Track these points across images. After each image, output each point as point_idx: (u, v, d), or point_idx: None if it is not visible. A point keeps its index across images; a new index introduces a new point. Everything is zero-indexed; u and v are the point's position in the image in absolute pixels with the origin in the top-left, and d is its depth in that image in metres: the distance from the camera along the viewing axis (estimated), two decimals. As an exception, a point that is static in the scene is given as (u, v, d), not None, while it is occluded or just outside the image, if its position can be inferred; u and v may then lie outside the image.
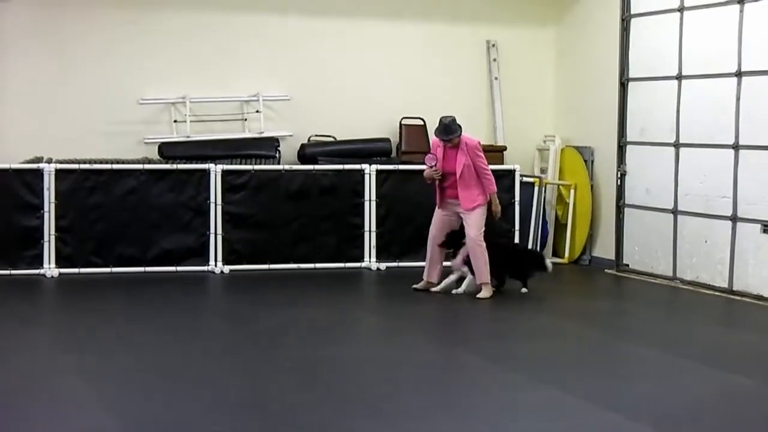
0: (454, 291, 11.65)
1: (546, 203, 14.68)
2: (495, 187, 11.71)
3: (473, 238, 11.47)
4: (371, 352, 9.19)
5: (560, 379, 8.21)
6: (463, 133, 11.58)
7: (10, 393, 7.52)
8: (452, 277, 11.80)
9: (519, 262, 12.05)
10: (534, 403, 7.57)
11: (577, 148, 14.89)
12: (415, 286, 11.86)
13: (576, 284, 13.48)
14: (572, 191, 14.68)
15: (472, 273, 11.51)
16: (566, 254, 14.66)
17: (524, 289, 11.81)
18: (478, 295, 11.48)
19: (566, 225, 14.72)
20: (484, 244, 11.50)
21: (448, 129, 11.50)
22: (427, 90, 15.18)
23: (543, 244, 14.58)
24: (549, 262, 12.19)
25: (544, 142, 15.38)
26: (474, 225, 11.51)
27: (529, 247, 13.97)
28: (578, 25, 15.16)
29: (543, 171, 15.11)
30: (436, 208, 11.79)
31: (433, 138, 11.94)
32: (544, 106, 15.68)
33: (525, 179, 14.34)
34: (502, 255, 11.82)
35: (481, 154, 11.68)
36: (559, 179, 14.94)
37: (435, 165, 11.57)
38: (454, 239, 11.68)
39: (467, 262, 11.59)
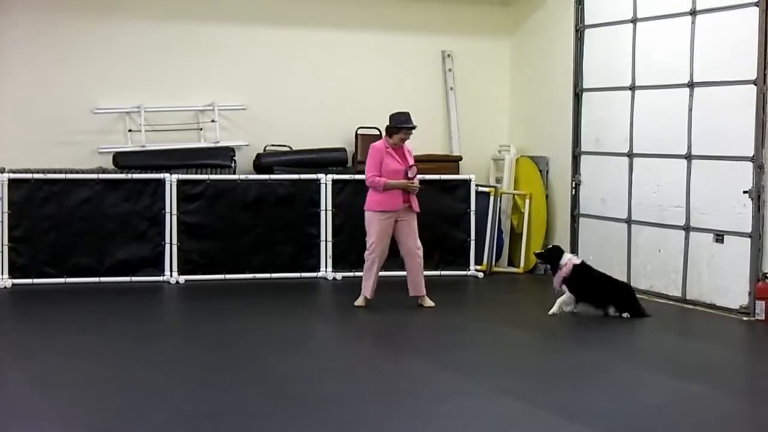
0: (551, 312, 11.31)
1: (501, 213, 14.74)
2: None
3: (415, 246, 11.46)
4: (328, 363, 9.17)
5: (516, 387, 8.24)
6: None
7: (-37, 405, 7.44)
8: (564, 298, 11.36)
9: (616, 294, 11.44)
10: (490, 411, 7.60)
11: (532, 157, 14.96)
12: (356, 303, 11.65)
13: (531, 294, 13.53)
14: (527, 201, 14.75)
15: (578, 298, 11.26)
16: (521, 264, 14.72)
17: (626, 314, 11.29)
18: (426, 305, 11.55)
19: (521, 234, 14.78)
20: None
21: (409, 119, 11.50)
22: (383, 100, 15.16)
23: (498, 254, 14.64)
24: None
25: (499, 151, 15.45)
26: (416, 234, 11.48)
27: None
28: (533, 35, 15.25)
29: (498, 181, 15.18)
30: (370, 212, 11.51)
31: (375, 144, 11.70)
32: (499, 116, 15.75)
33: (480, 189, 14.40)
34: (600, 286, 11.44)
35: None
36: (514, 189, 15.01)
37: (414, 177, 11.47)
38: (553, 256, 11.51)
39: (566, 281, 11.27)
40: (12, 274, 12.59)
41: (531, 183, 14.85)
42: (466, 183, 14.18)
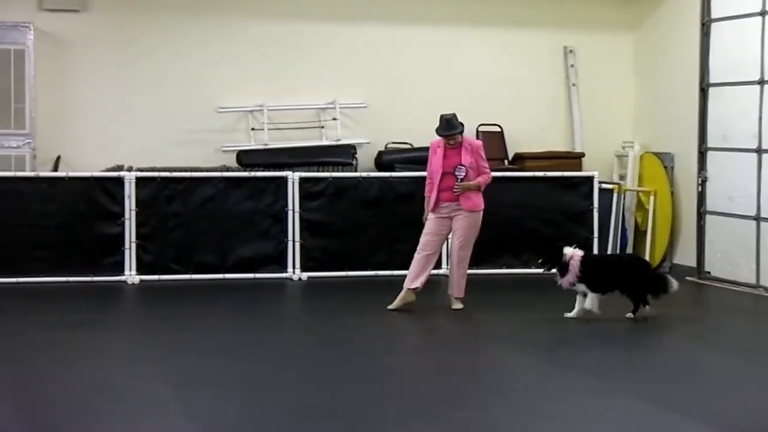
0: (567, 314, 10.70)
1: (625, 210, 14.52)
2: (484, 181, 11.09)
3: (461, 247, 11.06)
4: (448, 360, 9.14)
5: (638, 387, 8.09)
6: (464, 132, 11.12)
7: (91, 399, 7.60)
8: (582, 300, 10.76)
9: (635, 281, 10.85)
10: (612, 411, 7.48)
11: (656, 154, 14.71)
12: (390, 306, 11.08)
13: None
14: (652, 198, 14.50)
15: (591, 289, 10.66)
16: (646, 262, 14.47)
17: (629, 315, 10.76)
18: (453, 306, 11.15)
19: (646, 232, 14.54)
20: (468, 257, 11.12)
21: (450, 124, 11.00)
22: (504, 96, 15.11)
23: (623, 252, 14.42)
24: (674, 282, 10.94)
25: (623, 148, 15.23)
26: (462, 232, 11.04)
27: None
28: (658, 29, 14.99)
29: (622, 178, 14.96)
30: (429, 213, 11.15)
31: (432, 140, 11.31)
32: (622, 112, 15.52)
33: (604, 186, 14.20)
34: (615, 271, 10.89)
35: (485, 156, 11.22)
36: (639, 186, 14.78)
37: (464, 177, 11.02)
38: (553, 257, 10.82)
39: (581, 278, 10.63)
40: (139, 270, 12.83)
41: (656, 180, 14.59)
42: (589, 180, 13.99)
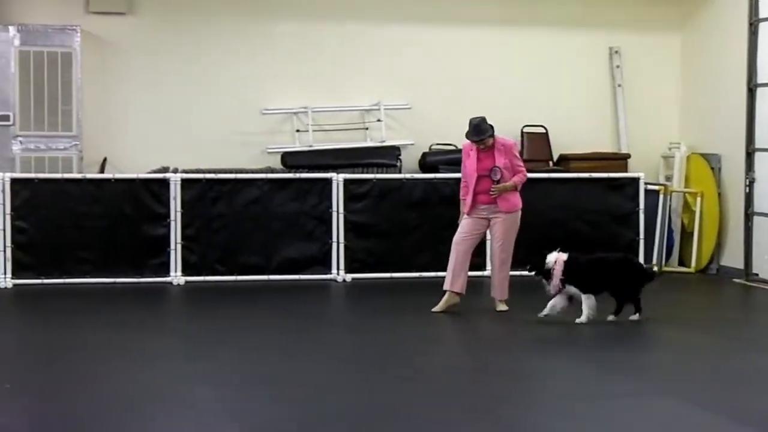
0: (577, 321, 10.49)
1: (672, 212, 14.42)
2: (520, 181, 10.97)
3: (502, 249, 10.97)
4: (492, 362, 9.11)
5: (686, 389, 8.03)
6: (496, 134, 10.91)
7: (136, 400, 7.64)
8: (556, 301, 10.67)
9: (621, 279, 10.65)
10: (660, 413, 7.41)
11: (703, 155, 14.59)
12: (434, 309, 10.98)
13: (703, 294, 13.20)
14: (699, 199, 14.38)
15: (582, 290, 10.51)
16: (693, 264, 14.36)
17: (611, 317, 10.55)
18: (498, 309, 11.09)
19: (693, 234, 14.42)
20: (510, 258, 11.02)
21: (478, 129, 10.82)
22: (549, 97, 15.05)
23: (669, 254, 14.33)
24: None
25: (670, 149, 15.11)
26: (501, 235, 10.94)
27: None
28: (704, 29, 14.87)
29: (668, 179, 14.85)
30: (464, 216, 11.07)
31: (464, 142, 11.17)
32: (669, 112, 15.41)
33: (650, 187, 14.10)
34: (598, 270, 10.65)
35: (519, 155, 11.16)
36: (685, 187, 14.66)
37: (500, 178, 10.89)
38: (536, 265, 10.68)
39: (565, 280, 10.51)
40: (184, 271, 12.89)
41: (702, 181, 14.47)
42: (635, 181, 13.89)
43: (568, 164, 14.73)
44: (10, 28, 13.95)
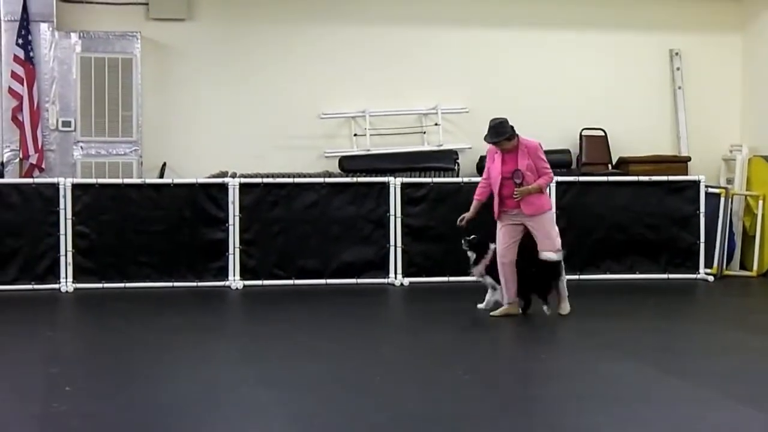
0: (479, 305, 10.90)
1: (733, 215, 14.26)
2: (545, 182, 10.69)
3: (551, 252, 10.66)
4: (552, 365, 9.06)
5: (749, 395, 7.92)
6: (518, 134, 10.64)
7: (195, 403, 7.69)
8: (493, 292, 10.92)
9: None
10: (721, 419, 7.32)
11: (765, 157, 14.43)
12: (493, 313, 10.89)
13: (765, 298, 13.03)
14: (761, 202, 14.21)
15: (498, 282, 10.73)
16: (755, 267, 14.19)
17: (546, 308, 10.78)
18: (561, 312, 10.87)
19: (755, 237, 14.26)
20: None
21: (496, 131, 10.53)
22: (608, 100, 14.97)
23: (730, 257, 14.17)
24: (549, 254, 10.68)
25: (731, 151, 14.96)
26: (542, 236, 10.63)
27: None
28: (766, 29, 14.69)
29: (729, 181, 14.70)
30: (498, 222, 10.85)
31: (489, 144, 10.92)
32: (730, 115, 15.26)
33: (710, 190, 13.95)
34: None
35: (544, 156, 10.74)
36: (747, 190, 14.50)
37: (521, 181, 10.62)
38: (478, 245, 10.87)
39: (489, 271, 10.80)
40: (243, 275, 12.96)
41: (764, 183, 14.31)
42: (695, 184, 13.74)
43: (627, 167, 14.63)
44: (72, 35, 14.13)
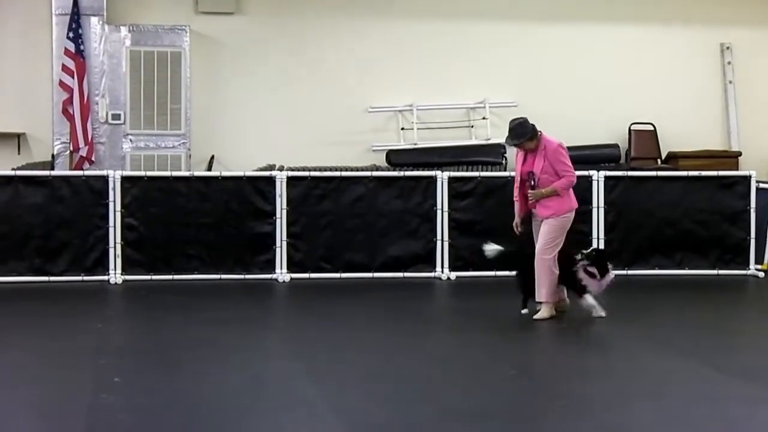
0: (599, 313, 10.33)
1: (784, 210, 14.09)
2: (561, 185, 10.26)
3: (538, 251, 10.31)
4: (601, 362, 9.00)
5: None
6: (543, 134, 10.32)
7: (242, 395, 7.72)
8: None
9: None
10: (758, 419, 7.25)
11: (817, 152, 14.27)
12: (537, 316, 10.41)
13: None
14: (813, 198, 14.03)
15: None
16: (806, 264, 14.03)
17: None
18: (535, 316, 10.44)
19: (806, 233, 14.08)
20: (551, 259, 10.24)
21: (515, 132, 10.25)
22: (658, 95, 14.87)
23: (780, 253, 14.02)
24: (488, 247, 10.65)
25: (783, 146, 14.81)
26: (543, 235, 10.27)
27: None
28: (819, 24, 14.54)
29: (781, 177, 14.55)
30: (518, 219, 10.60)
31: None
32: (782, 109, 15.11)
33: (761, 185, 13.79)
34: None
35: (564, 157, 10.30)
36: (799, 185, 14.33)
37: (535, 184, 10.29)
38: (601, 257, 10.48)
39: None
40: (290, 268, 12.99)
41: (816, 179, 14.14)
42: (746, 179, 13.59)
43: (676, 162, 14.52)
44: (122, 28, 14.24)
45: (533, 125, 10.28)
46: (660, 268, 13.33)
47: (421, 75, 14.66)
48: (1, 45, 14.68)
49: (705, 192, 13.48)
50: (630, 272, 13.11)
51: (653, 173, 13.70)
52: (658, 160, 14.81)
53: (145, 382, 8.05)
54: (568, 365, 8.88)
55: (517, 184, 10.59)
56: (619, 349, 9.74)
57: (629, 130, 14.77)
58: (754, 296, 12.68)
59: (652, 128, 14.84)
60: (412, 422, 7.09)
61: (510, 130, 10.32)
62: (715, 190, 13.50)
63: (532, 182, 10.30)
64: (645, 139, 14.87)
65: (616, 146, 14.63)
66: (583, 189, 13.37)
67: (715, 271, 13.31)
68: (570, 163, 10.35)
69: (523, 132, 10.24)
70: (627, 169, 14.00)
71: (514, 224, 10.66)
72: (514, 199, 10.68)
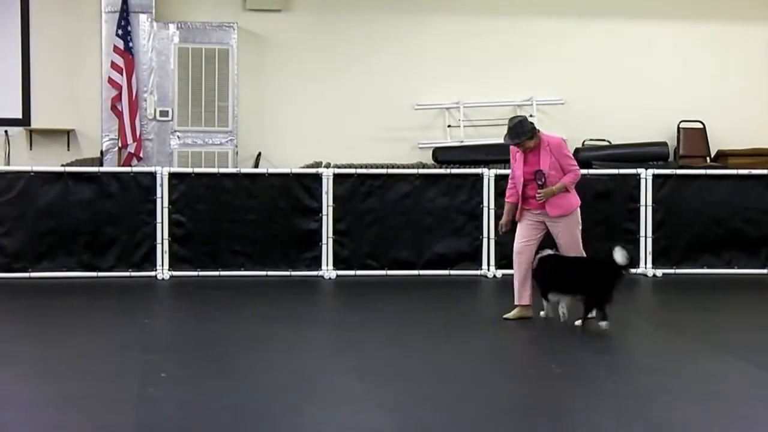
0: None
1: (835, 209, 13.91)
2: (569, 181, 10.07)
3: (573, 251, 10.10)
4: (649, 360, 8.94)
5: None
6: (541, 132, 10.15)
7: (287, 390, 7.74)
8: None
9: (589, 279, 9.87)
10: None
11: None
12: (506, 315, 10.37)
13: None
14: None
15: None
16: None
17: (603, 323, 9.76)
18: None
19: None
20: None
21: (516, 131, 10.02)
22: (707, 92, 14.74)
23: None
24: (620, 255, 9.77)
25: (834, 145, 14.63)
26: (563, 238, 10.08)
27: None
28: None
29: (833, 176, 14.36)
30: (507, 220, 10.45)
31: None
32: (834, 107, 14.94)
33: (814, 184, 13.64)
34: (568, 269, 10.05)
35: (568, 152, 10.23)
36: None
37: (544, 182, 10.09)
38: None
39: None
40: (336, 265, 13.01)
41: None
42: (796, 178, 13.46)
43: (726, 160, 14.40)
44: (170, 25, 14.33)
45: (532, 124, 10.17)
46: (709, 267, 13.22)
47: (467, 72, 14.64)
48: (51, 42, 14.82)
49: (754, 190, 13.34)
50: (678, 271, 13.02)
51: (702, 171, 13.58)
52: (707, 159, 14.68)
53: (192, 377, 8.09)
54: (613, 362, 8.83)
55: (511, 183, 10.41)
56: (665, 347, 9.67)
57: (678, 128, 14.66)
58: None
59: (701, 126, 14.73)
60: (460, 421, 7.08)
61: (509, 129, 10.15)
62: (764, 188, 13.36)
63: (541, 180, 10.11)
64: (694, 137, 14.76)
65: (664, 144, 14.52)
66: (631, 187, 13.31)
67: (764, 271, 13.18)
68: (574, 160, 10.30)
69: (523, 130, 10.08)
70: (675, 168, 13.89)
71: (502, 223, 10.54)
72: (506, 199, 10.50)
